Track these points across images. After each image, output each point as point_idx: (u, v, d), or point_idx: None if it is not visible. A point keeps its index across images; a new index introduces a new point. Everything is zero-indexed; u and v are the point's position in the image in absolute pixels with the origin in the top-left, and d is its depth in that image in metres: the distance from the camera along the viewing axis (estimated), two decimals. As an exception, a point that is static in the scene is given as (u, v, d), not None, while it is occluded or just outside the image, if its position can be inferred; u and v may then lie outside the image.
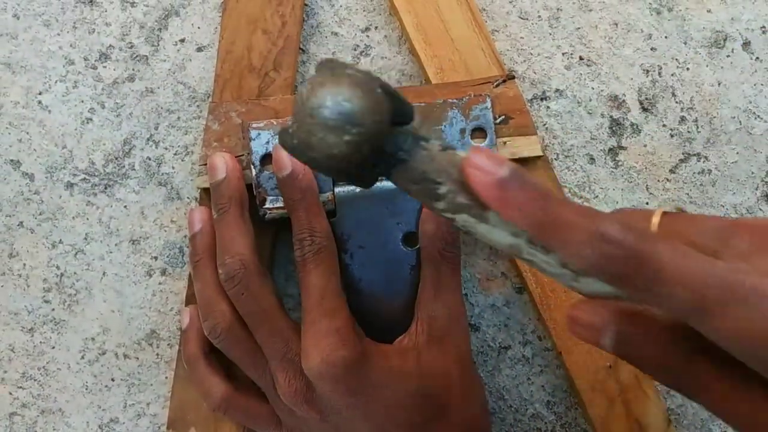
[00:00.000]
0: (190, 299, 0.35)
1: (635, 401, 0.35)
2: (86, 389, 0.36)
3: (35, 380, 0.36)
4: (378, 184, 0.33)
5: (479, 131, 0.34)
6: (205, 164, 0.34)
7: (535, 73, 0.38)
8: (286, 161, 0.32)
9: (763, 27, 0.38)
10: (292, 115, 0.23)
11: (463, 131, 0.34)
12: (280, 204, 0.33)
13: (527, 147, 0.35)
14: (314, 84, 0.22)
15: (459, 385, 0.32)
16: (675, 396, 0.37)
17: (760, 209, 0.38)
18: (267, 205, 0.33)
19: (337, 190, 0.33)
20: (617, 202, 0.37)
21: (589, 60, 0.38)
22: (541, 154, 0.35)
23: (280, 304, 0.32)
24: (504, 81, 0.35)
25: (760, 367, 0.20)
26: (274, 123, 0.34)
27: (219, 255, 0.32)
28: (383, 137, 0.23)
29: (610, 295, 0.23)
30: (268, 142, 0.33)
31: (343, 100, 0.22)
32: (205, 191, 0.34)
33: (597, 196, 0.37)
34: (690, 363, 0.21)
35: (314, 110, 0.22)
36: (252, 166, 0.33)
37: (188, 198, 0.36)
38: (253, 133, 0.33)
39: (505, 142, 0.34)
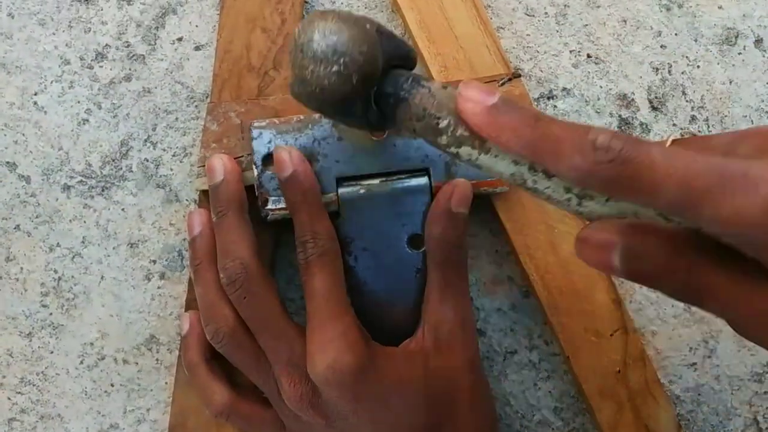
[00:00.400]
0: (190, 304, 0.34)
1: (644, 406, 0.35)
2: (85, 394, 0.36)
3: (34, 385, 0.36)
4: (382, 185, 0.33)
5: (485, 132, 0.34)
6: (204, 166, 0.33)
7: (541, 71, 0.37)
8: (288, 162, 0.31)
9: None
10: (290, 59, 0.25)
11: (468, 132, 0.33)
12: (282, 205, 0.32)
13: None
14: (305, 22, 0.24)
15: (467, 391, 0.32)
16: (685, 401, 0.36)
17: None
18: (269, 206, 0.33)
19: (341, 191, 0.33)
20: None
21: (597, 58, 0.37)
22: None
23: (283, 307, 0.32)
24: (510, 79, 0.34)
25: (756, 252, 0.20)
26: (276, 122, 0.33)
27: (220, 259, 0.31)
28: (377, 71, 0.25)
29: (613, 216, 0.23)
30: (269, 142, 0.33)
31: (329, 33, 0.24)
32: (204, 193, 0.34)
33: None
34: (694, 266, 0.21)
35: (304, 45, 0.24)
36: (254, 167, 0.33)
37: (187, 200, 0.36)
38: (254, 133, 0.33)
39: (511, 143, 0.34)
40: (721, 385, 0.37)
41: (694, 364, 0.37)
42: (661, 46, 0.37)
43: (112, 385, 0.36)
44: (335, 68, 0.24)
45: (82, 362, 0.36)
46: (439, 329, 0.32)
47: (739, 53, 0.37)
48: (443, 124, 0.24)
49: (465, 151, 0.24)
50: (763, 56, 0.37)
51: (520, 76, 0.35)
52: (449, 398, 0.31)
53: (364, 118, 0.27)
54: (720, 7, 0.37)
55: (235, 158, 0.33)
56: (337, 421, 0.31)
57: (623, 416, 0.34)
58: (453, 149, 0.25)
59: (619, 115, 0.37)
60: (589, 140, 0.21)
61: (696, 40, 0.37)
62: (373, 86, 0.25)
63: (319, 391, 0.30)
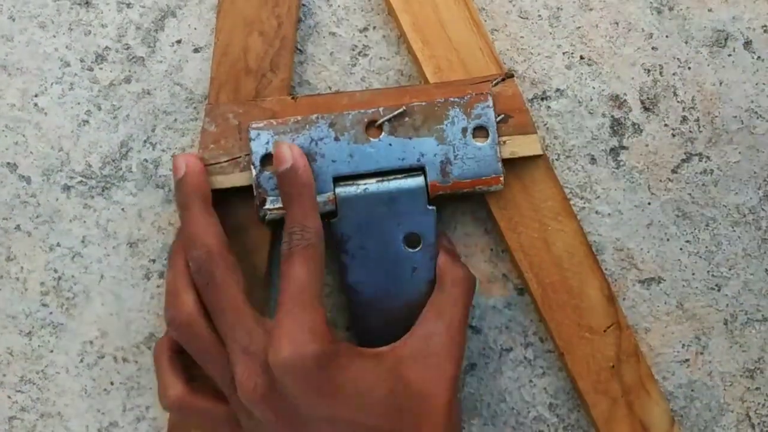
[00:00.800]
0: None
1: (638, 402, 0.35)
2: (85, 393, 0.36)
3: (34, 384, 0.36)
4: (378, 184, 0.33)
5: (481, 130, 0.34)
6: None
7: (535, 72, 0.38)
8: (288, 156, 0.32)
9: (765, 26, 0.38)
10: None
11: (464, 130, 0.34)
12: (279, 204, 0.33)
13: (527, 146, 0.34)
14: None
15: (442, 407, 0.31)
16: (678, 397, 0.37)
17: (763, 209, 0.38)
18: (267, 206, 0.33)
19: (338, 190, 0.33)
20: (619, 203, 0.37)
21: (590, 59, 0.38)
22: (541, 152, 0.35)
23: (247, 296, 0.31)
24: (503, 80, 0.35)
25: None
26: (274, 123, 0.33)
27: (187, 250, 0.31)
28: None
29: None
30: (267, 143, 0.33)
31: None
32: None
33: (599, 197, 0.37)
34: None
35: None
36: (252, 167, 0.33)
37: None
38: (252, 134, 0.33)
39: (504, 141, 0.34)
40: (713, 381, 0.37)
41: (687, 360, 0.37)
42: (653, 48, 0.38)
43: (112, 384, 0.36)
44: None
45: (81, 361, 0.36)
46: (424, 341, 0.31)
47: (729, 55, 0.38)
48: None
49: None
50: (753, 58, 0.38)
51: (512, 76, 0.35)
52: (418, 410, 0.30)
53: None
54: (710, 10, 0.38)
55: (233, 159, 0.34)
56: (291, 417, 0.30)
57: (617, 411, 0.35)
58: None
59: (612, 116, 0.38)
60: None
61: (687, 42, 0.38)
62: None
63: (274, 384, 0.29)
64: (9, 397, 0.36)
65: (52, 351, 0.36)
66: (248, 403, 0.30)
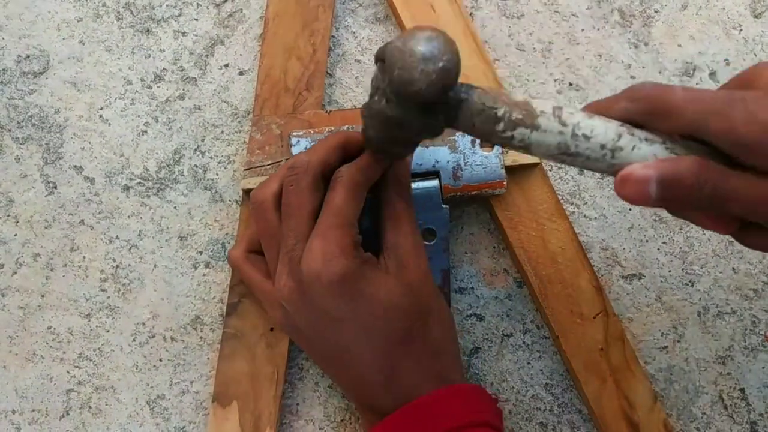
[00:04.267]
0: (233, 288, 0.37)
1: (624, 381, 0.37)
2: (136, 368, 0.38)
3: (91, 360, 0.38)
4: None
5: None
6: (249, 168, 0.37)
7: (531, 96, 0.41)
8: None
9: (726, 60, 0.42)
10: (388, 69, 0.27)
11: (473, 141, 0.37)
12: None
13: (526, 155, 0.38)
14: (406, 38, 0.27)
15: (432, 304, 0.34)
16: (658, 380, 0.39)
17: None
18: None
19: None
20: (604, 208, 0.41)
21: (577, 85, 0.41)
22: (538, 161, 0.38)
23: (314, 214, 0.33)
24: (506, 100, 0.39)
25: (751, 157, 0.25)
26: (311, 132, 0.37)
27: (299, 156, 0.34)
28: (456, 77, 0.28)
29: (636, 161, 0.27)
30: (306, 148, 0.37)
31: (432, 39, 0.27)
32: (248, 193, 0.37)
33: (586, 203, 0.41)
34: (717, 179, 0.26)
35: (415, 49, 0.27)
36: None
37: (230, 200, 0.39)
38: (293, 141, 0.37)
39: (506, 151, 0.38)
40: (689, 366, 0.39)
41: (666, 347, 0.39)
42: (631, 77, 0.41)
43: (161, 360, 0.38)
44: (440, 64, 0.27)
45: (134, 340, 0.38)
46: (396, 253, 0.33)
47: (697, 83, 0.41)
48: (500, 112, 0.28)
49: (519, 132, 0.28)
50: (717, 86, 0.41)
51: None
52: (420, 309, 0.33)
53: (437, 117, 0.29)
54: (679, 45, 0.42)
55: (275, 162, 0.37)
56: (316, 315, 0.32)
57: (606, 389, 0.37)
58: (509, 133, 0.28)
59: None
60: (632, 87, 0.28)
61: (660, 72, 0.42)
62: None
63: (303, 288, 0.32)
64: (68, 372, 0.38)
65: (108, 331, 0.38)
66: (282, 299, 0.33)
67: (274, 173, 0.35)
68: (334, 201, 0.32)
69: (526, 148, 0.28)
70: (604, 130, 0.28)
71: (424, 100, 0.27)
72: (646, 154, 0.27)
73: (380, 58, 0.29)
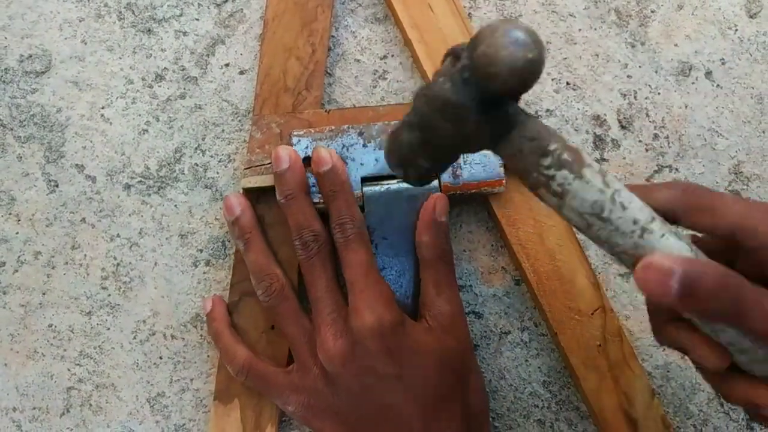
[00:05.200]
0: (234, 286, 0.37)
1: (622, 376, 0.37)
2: (137, 366, 0.38)
3: (91, 358, 0.38)
4: (399, 185, 0.36)
5: (484, 141, 0.38)
6: (249, 167, 0.37)
7: (528, 95, 0.41)
8: (328, 158, 0.35)
9: (722, 59, 0.42)
10: (476, 43, 0.26)
11: (471, 141, 0.37)
12: (316, 200, 0.36)
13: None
14: (501, 22, 0.26)
15: (470, 369, 0.35)
16: (656, 377, 0.39)
17: None
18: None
19: (365, 189, 0.36)
20: None
21: (574, 85, 0.41)
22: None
23: (336, 277, 0.35)
24: (504, 99, 0.39)
25: None
26: (312, 131, 0.37)
27: (296, 231, 0.34)
28: (539, 73, 0.26)
29: (665, 251, 0.26)
30: (306, 147, 0.37)
31: (527, 30, 0.25)
32: (248, 191, 0.37)
33: None
34: (740, 288, 0.25)
35: (508, 32, 0.25)
36: None
37: None
38: (294, 139, 0.37)
39: (506, 150, 0.38)
40: (686, 364, 0.39)
41: None
42: (628, 76, 0.41)
43: (161, 358, 0.38)
44: (530, 55, 0.25)
45: (135, 337, 0.38)
46: (438, 319, 0.34)
47: (693, 83, 0.41)
48: (552, 147, 0.26)
49: (562, 174, 0.26)
50: (713, 86, 0.41)
51: None
52: (458, 375, 0.34)
53: (488, 126, 0.27)
54: (676, 45, 0.42)
55: None
56: (367, 376, 0.32)
57: (605, 385, 0.37)
58: (552, 171, 0.26)
59: (594, 133, 0.41)
60: (677, 182, 0.26)
61: (656, 72, 0.41)
62: (509, 103, 0.27)
63: (354, 347, 0.32)
64: (68, 369, 0.38)
65: (108, 329, 0.38)
66: (329, 362, 0.33)
67: (259, 261, 0.35)
68: (356, 259, 0.33)
69: (561, 195, 0.26)
70: (640, 207, 0.26)
71: (501, 87, 0.25)
72: (672, 247, 0.26)
73: (451, 54, 0.28)
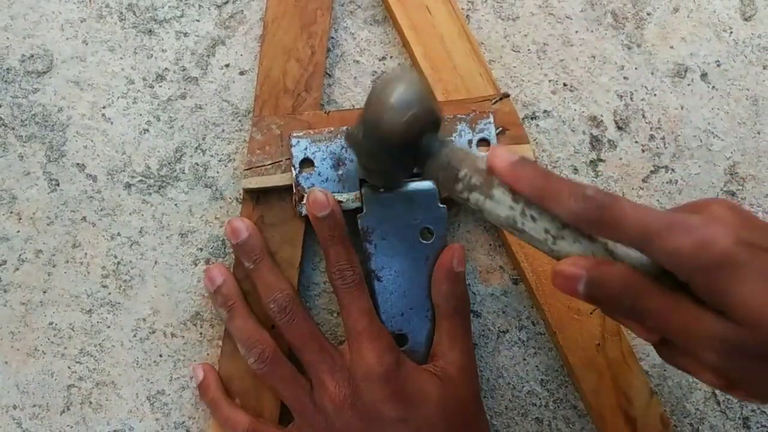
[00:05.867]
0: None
1: (621, 375, 0.37)
2: (137, 364, 0.38)
3: (92, 356, 0.38)
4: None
5: (483, 142, 0.38)
6: (250, 168, 0.37)
7: (526, 96, 0.41)
8: (326, 202, 0.34)
9: (717, 61, 0.42)
10: (365, 109, 0.29)
11: (470, 141, 0.37)
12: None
13: (522, 153, 0.38)
14: (385, 81, 0.29)
15: (476, 417, 0.35)
16: (653, 376, 0.39)
17: None
18: (304, 203, 0.36)
19: (363, 190, 0.36)
20: None
21: (571, 86, 0.41)
22: (534, 160, 0.38)
23: (319, 328, 0.35)
24: (500, 99, 0.39)
25: (687, 277, 0.25)
26: (311, 133, 0.37)
27: (265, 294, 0.34)
28: (425, 129, 0.29)
29: (576, 254, 0.28)
30: (306, 149, 0.37)
31: (406, 89, 0.28)
32: (248, 192, 0.37)
33: None
34: (639, 294, 0.26)
35: (385, 97, 0.28)
36: (292, 169, 0.37)
37: (230, 198, 0.39)
38: (293, 141, 0.37)
39: (503, 150, 0.38)
40: None
41: None
42: (624, 78, 0.41)
43: (161, 356, 0.38)
44: (406, 118, 0.28)
45: (135, 336, 0.38)
46: (448, 370, 0.34)
47: (688, 84, 0.41)
48: (461, 174, 0.29)
49: (474, 196, 0.29)
50: (708, 87, 0.41)
51: (508, 95, 0.39)
52: (462, 421, 0.34)
53: (406, 165, 0.31)
54: (671, 47, 0.42)
55: (275, 162, 0.37)
56: (373, 423, 0.32)
57: (604, 384, 0.37)
58: (465, 194, 0.29)
59: (591, 133, 0.41)
60: (582, 192, 0.27)
61: (652, 73, 0.42)
62: (422, 137, 0.30)
63: (359, 394, 0.33)
64: (69, 367, 0.38)
65: (109, 327, 0.38)
66: (335, 409, 0.33)
67: (246, 329, 0.35)
68: (358, 305, 0.34)
69: (480, 212, 0.30)
70: (550, 218, 0.28)
71: (389, 145, 0.29)
72: (585, 250, 0.28)
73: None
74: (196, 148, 0.40)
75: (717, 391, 0.40)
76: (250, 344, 0.34)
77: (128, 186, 0.39)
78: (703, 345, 0.25)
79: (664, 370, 0.39)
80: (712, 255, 0.24)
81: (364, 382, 0.32)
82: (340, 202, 0.36)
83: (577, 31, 0.42)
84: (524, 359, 0.39)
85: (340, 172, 0.37)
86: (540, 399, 0.39)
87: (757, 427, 0.39)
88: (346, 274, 0.34)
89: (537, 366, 0.39)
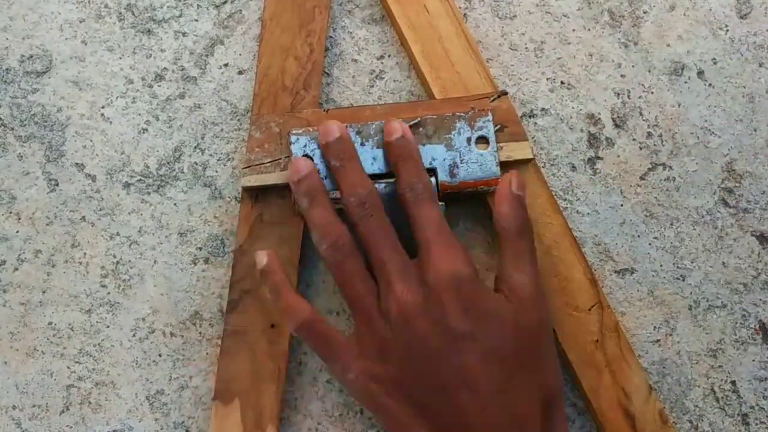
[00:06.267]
0: (233, 284, 0.36)
1: (620, 371, 0.37)
2: (136, 364, 0.37)
3: (91, 356, 0.37)
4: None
5: (482, 139, 0.37)
6: (249, 166, 0.37)
7: (524, 94, 0.41)
8: (399, 127, 0.34)
9: (714, 59, 0.42)
10: None
11: (469, 139, 0.37)
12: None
13: (520, 151, 0.38)
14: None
15: (549, 347, 0.33)
16: (652, 373, 0.39)
17: (719, 211, 0.40)
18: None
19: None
20: (596, 204, 0.40)
21: (569, 84, 0.41)
22: (531, 156, 0.38)
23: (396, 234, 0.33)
24: (499, 96, 0.39)
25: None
26: (310, 130, 0.37)
27: (348, 189, 0.33)
28: None
29: None
30: (305, 146, 0.36)
31: None
32: (247, 190, 0.37)
33: (579, 199, 0.40)
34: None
35: None
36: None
37: (229, 197, 0.39)
38: (292, 138, 0.37)
39: (501, 147, 0.38)
40: (681, 360, 0.39)
41: (658, 340, 0.39)
42: (621, 76, 0.41)
43: (160, 356, 0.38)
44: None
45: (134, 335, 0.38)
46: (516, 292, 0.32)
47: (685, 82, 0.41)
48: None
49: None
50: (705, 85, 0.41)
51: (507, 93, 0.39)
52: (536, 350, 0.32)
53: None
54: (668, 45, 0.42)
55: (274, 160, 0.37)
56: (440, 329, 0.30)
57: (603, 380, 0.37)
58: None
59: (589, 131, 0.41)
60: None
61: (649, 71, 0.41)
62: None
63: (429, 299, 0.31)
64: (68, 367, 0.37)
65: (108, 326, 0.38)
66: (402, 314, 0.31)
67: (323, 217, 0.33)
68: (429, 216, 0.33)
69: None
70: None
71: None
72: None
73: None
74: (195, 147, 0.39)
75: (716, 388, 0.39)
76: (326, 231, 0.33)
77: (127, 185, 0.39)
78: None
79: (663, 368, 0.39)
80: None
81: (435, 289, 0.30)
82: (338, 199, 0.36)
83: (574, 30, 0.42)
84: (524, 357, 0.39)
85: (339, 171, 0.36)
86: (540, 396, 0.39)
87: (756, 424, 0.39)
88: (417, 188, 0.33)
89: (536, 363, 0.39)
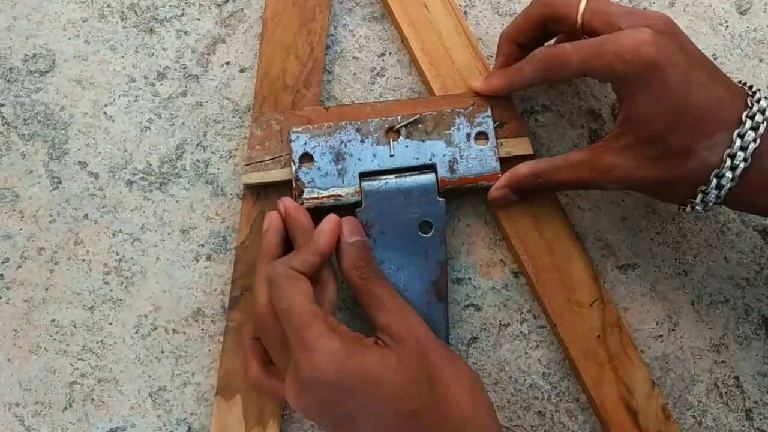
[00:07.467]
0: (235, 281, 0.36)
1: (622, 366, 0.36)
2: (139, 360, 0.37)
3: (94, 353, 0.37)
4: (397, 179, 0.36)
5: (482, 135, 0.37)
6: (250, 164, 0.36)
7: (525, 91, 0.40)
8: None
9: (714, 55, 0.41)
10: None
11: (468, 135, 0.37)
12: (315, 195, 0.36)
13: (520, 147, 0.38)
14: None
15: (443, 369, 0.32)
16: (654, 368, 0.38)
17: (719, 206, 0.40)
18: (304, 196, 0.36)
19: (363, 184, 0.36)
20: (597, 199, 0.40)
21: (569, 80, 0.41)
22: (531, 152, 0.38)
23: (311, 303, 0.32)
24: (500, 93, 0.38)
25: (619, 89, 0.32)
26: (310, 128, 0.37)
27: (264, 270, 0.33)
28: None
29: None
30: (305, 144, 0.36)
31: None
32: (249, 187, 0.37)
33: (580, 194, 0.40)
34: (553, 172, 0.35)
35: None
36: (292, 163, 0.36)
37: (231, 194, 0.39)
38: (293, 136, 0.36)
39: (501, 143, 0.37)
40: (684, 355, 0.39)
41: (661, 336, 0.39)
42: None
43: (162, 352, 0.37)
44: None
45: (137, 332, 0.37)
46: (387, 331, 0.32)
47: None
48: None
49: None
50: None
51: None
52: (428, 377, 0.31)
53: None
54: None
55: (275, 157, 0.37)
56: (327, 415, 0.30)
57: (605, 375, 0.36)
58: None
59: (589, 127, 0.41)
60: (531, 57, 0.34)
61: None
62: None
63: (305, 392, 0.30)
64: (71, 364, 0.37)
65: (111, 323, 0.37)
66: (294, 407, 0.31)
67: (256, 288, 0.33)
68: (288, 306, 0.31)
69: None
70: None
71: None
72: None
73: None
74: (197, 144, 0.39)
75: (719, 383, 0.39)
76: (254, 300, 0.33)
77: (130, 183, 0.39)
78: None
79: (666, 362, 0.39)
80: (638, 61, 0.31)
81: (309, 384, 0.30)
82: (339, 196, 0.35)
83: (574, 26, 0.41)
84: (526, 353, 0.39)
85: (339, 167, 0.36)
86: (542, 392, 0.38)
87: (760, 419, 0.39)
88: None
89: (539, 359, 0.38)
